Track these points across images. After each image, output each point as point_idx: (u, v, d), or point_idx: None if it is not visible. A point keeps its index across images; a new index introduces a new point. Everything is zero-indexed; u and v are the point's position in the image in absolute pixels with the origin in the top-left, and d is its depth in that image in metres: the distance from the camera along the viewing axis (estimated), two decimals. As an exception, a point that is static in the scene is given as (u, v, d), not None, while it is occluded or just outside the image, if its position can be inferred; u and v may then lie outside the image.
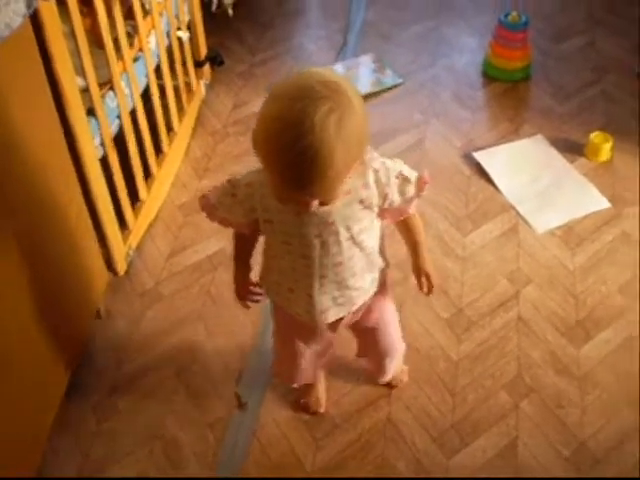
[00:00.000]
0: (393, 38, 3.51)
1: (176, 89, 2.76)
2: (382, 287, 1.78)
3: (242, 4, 3.53)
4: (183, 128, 2.83)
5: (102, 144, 2.18)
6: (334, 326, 1.78)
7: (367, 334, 1.93)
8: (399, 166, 1.56)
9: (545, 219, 2.64)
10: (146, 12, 2.40)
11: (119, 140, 2.33)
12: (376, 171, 1.51)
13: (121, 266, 2.39)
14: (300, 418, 2.09)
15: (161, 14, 2.54)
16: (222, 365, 2.22)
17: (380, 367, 2.06)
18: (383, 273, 1.75)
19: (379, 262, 1.71)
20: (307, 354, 1.91)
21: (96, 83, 2.10)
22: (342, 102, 1.27)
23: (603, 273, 2.47)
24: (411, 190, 1.57)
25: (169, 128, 2.72)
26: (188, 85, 2.93)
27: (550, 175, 2.80)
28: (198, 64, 3.00)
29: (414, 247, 1.76)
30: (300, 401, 2.11)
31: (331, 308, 1.68)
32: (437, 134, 2.98)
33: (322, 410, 2.10)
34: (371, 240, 1.62)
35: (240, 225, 1.63)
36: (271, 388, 2.16)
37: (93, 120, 2.11)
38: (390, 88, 3.21)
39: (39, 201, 1.88)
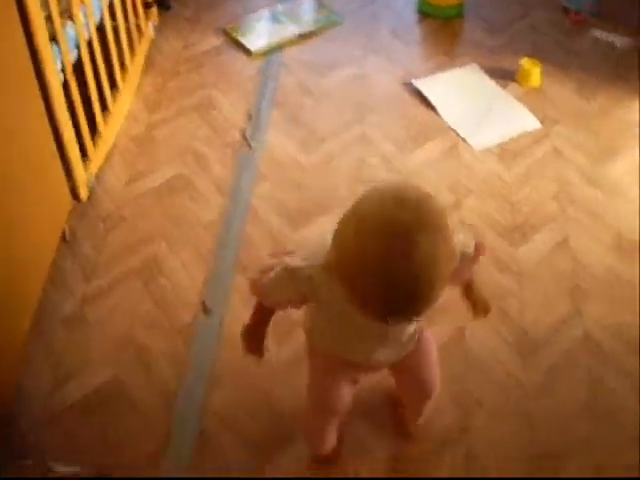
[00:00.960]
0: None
1: (127, 30, 2.85)
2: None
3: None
4: (135, 65, 2.92)
5: (63, 70, 2.27)
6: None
7: (404, 370, 1.77)
8: (460, 246, 1.47)
9: (482, 138, 2.82)
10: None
11: (78, 74, 2.43)
12: None
13: (84, 192, 2.49)
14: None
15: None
16: (187, 276, 2.34)
17: (416, 408, 1.91)
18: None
19: None
20: (345, 395, 1.74)
21: (58, 12, 2.19)
22: (435, 226, 1.20)
23: (536, 184, 2.67)
24: (469, 261, 1.54)
25: (122, 65, 2.81)
26: (138, 27, 3.01)
27: (485, 99, 2.99)
28: (147, 5, 3.09)
29: (467, 288, 1.71)
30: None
31: (384, 355, 1.62)
32: (377, 67, 3.13)
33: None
34: None
35: (290, 303, 1.57)
36: (237, 293, 2.29)
37: (55, 47, 2.21)
38: (329, 27, 3.34)
39: (8, 124, 1.95)
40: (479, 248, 1.55)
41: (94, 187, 2.56)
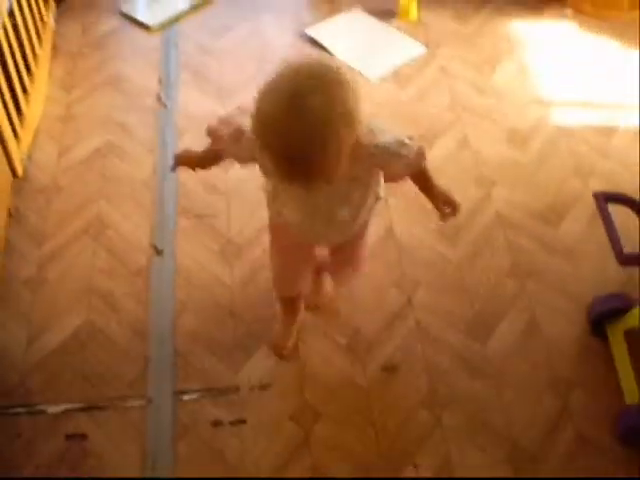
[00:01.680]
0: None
1: (34, 20, 3.00)
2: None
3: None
4: (44, 52, 3.06)
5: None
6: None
7: (340, 251, 2.02)
8: (397, 146, 1.59)
9: (376, 69, 3.11)
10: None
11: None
12: (372, 155, 1.55)
13: (20, 169, 2.63)
14: (211, 248, 2.44)
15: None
16: (133, 226, 2.52)
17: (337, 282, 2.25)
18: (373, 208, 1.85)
19: (378, 195, 1.82)
20: (301, 265, 2.06)
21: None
22: (327, 89, 1.35)
23: (431, 99, 2.98)
24: (410, 161, 1.65)
25: (34, 52, 2.95)
26: (42, 17, 3.15)
27: (372, 36, 3.29)
28: (45, -2, 3.24)
29: (426, 190, 1.83)
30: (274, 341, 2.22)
31: (331, 235, 1.85)
32: (270, 23, 3.36)
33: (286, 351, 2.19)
34: (372, 189, 1.76)
35: (236, 158, 1.75)
36: (182, 233, 2.49)
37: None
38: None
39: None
40: (420, 153, 1.67)
41: (27, 165, 2.70)
